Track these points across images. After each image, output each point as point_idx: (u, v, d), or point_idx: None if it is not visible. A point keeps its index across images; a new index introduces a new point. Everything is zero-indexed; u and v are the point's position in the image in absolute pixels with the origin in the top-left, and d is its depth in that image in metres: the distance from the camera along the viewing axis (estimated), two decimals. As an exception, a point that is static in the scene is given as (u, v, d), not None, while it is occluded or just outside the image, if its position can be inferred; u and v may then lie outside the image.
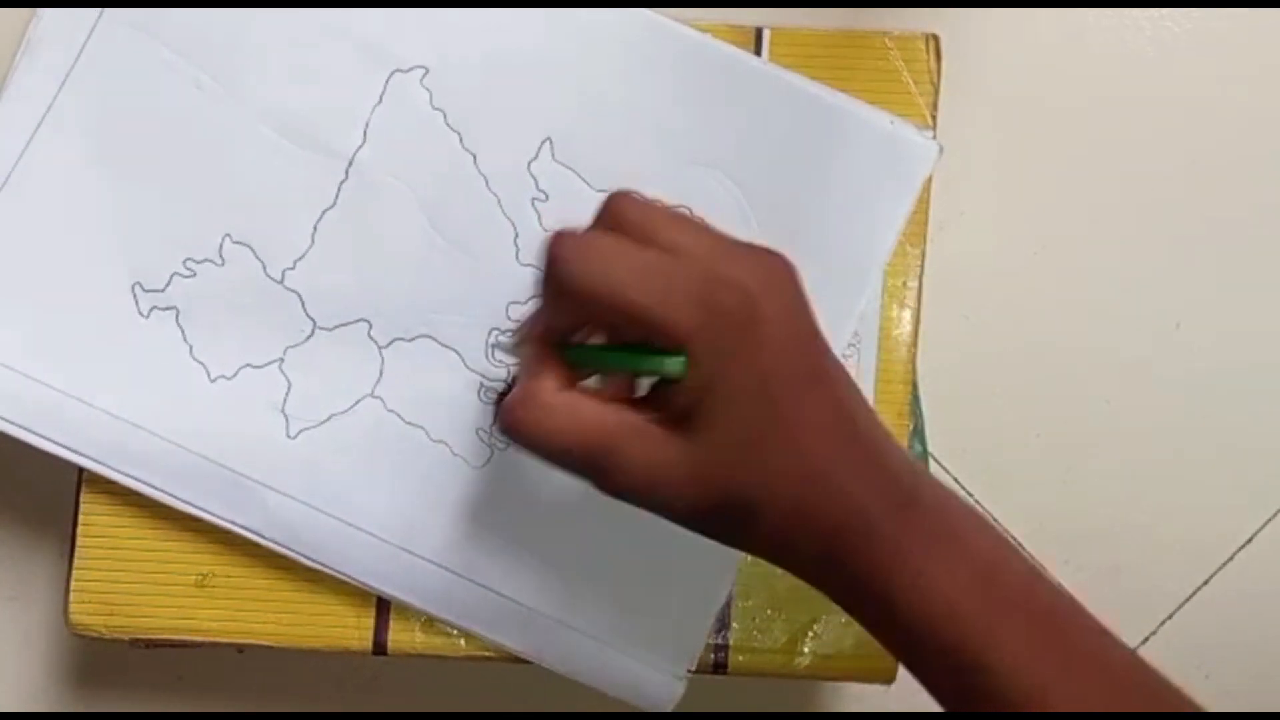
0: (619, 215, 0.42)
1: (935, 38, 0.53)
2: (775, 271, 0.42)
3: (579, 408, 0.42)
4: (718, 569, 0.52)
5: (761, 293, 0.40)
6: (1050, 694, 0.40)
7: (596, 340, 0.43)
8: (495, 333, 0.51)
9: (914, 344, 0.53)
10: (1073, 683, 0.40)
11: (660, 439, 0.41)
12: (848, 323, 0.52)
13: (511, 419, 0.43)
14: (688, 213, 0.43)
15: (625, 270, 0.40)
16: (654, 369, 0.41)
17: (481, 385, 0.52)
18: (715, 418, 0.40)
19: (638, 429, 0.41)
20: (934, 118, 0.53)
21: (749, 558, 0.52)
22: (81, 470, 0.51)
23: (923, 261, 0.53)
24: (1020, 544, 0.57)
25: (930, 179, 0.52)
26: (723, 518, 0.42)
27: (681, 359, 0.40)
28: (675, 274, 0.40)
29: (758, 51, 0.53)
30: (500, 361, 0.52)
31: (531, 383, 0.43)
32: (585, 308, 0.42)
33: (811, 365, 0.42)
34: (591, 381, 0.44)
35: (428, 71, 0.52)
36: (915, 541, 0.41)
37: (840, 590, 0.43)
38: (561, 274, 0.41)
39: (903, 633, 0.42)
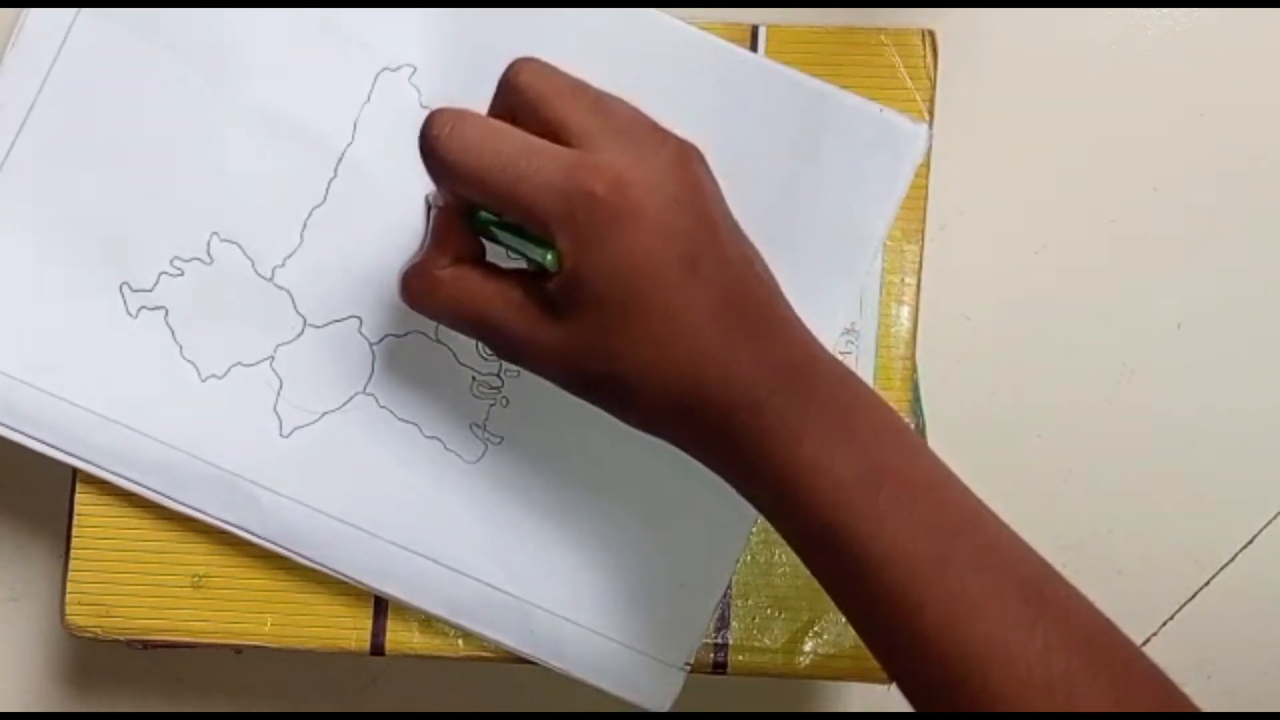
0: (513, 89, 0.42)
1: (931, 34, 0.53)
2: (658, 157, 0.41)
3: (465, 283, 0.43)
4: (718, 558, 0.51)
5: (635, 180, 0.40)
6: (910, 555, 0.39)
7: None
8: None
9: (913, 341, 0.53)
10: (935, 542, 0.40)
11: (536, 319, 0.42)
12: (842, 308, 0.52)
13: (404, 290, 0.45)
14: (590, 85, 0.43)
15: (491, 154, 0.40)
16: (527, 254, 0.42)
17: (474, 380, 0.51)
18: (581, 306, 0.40)
19: (517, 306, 0.42)
20: (931, 114, 0.53)
21: (749, 557, 0.52)
22: (76, 470, 0.51)
23: (920, 259, 0.53)
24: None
25: (927, 173, 0.52)
26: (600, 397, 0.43)
27: (553, 251, 0.40)
28: (542, 160, 0.40)
29: (754, 49, 0.53)
30: (490, 356, 0.51)
31: (428, 254, 0.44)
32: (459, 187, 0.42)
33: (691, 253, 0.41)
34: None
35: (415, 70, 0.52)
36: (805, 424, 0.41)
37: (730, 470, 0.43)
38: (431, 154, 0.41)
39: (790, 514, 0.42)
